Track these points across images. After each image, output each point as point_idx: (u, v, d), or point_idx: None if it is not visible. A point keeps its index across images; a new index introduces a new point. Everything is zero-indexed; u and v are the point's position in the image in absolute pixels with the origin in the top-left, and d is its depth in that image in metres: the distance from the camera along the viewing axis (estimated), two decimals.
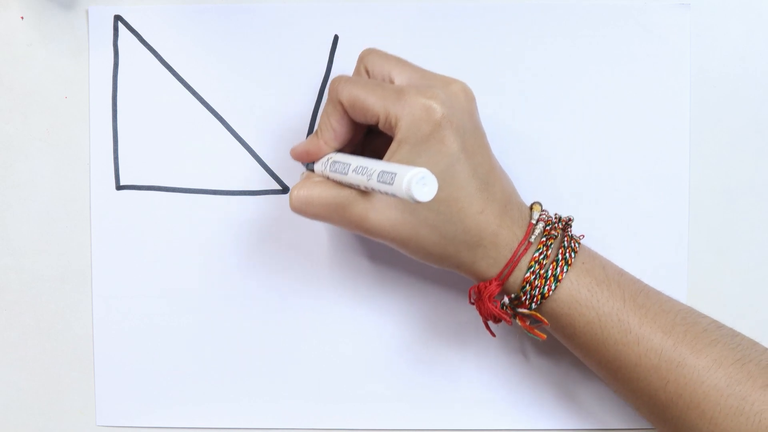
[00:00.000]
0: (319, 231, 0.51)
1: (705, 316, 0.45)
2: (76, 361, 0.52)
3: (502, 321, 0.44)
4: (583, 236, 0.46)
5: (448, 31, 0.51)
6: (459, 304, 0.51)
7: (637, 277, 0.46)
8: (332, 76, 0.51)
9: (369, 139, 0.48)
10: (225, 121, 0.51)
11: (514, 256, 0.43)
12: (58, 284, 0.52)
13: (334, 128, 0.45)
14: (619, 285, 0.44)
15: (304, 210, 0.44)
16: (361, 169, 0.40)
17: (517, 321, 0.44)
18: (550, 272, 0.43)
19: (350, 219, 0.43)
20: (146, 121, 0.51)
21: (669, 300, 0.45)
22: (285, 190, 0.51)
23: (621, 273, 0.45)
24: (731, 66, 0.51)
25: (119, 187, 0.51)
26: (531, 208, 0.45)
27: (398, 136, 0.42)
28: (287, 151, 0.51)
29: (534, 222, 0.44)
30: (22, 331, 0.52)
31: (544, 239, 0.43)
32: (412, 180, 0.35)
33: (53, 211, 0.52)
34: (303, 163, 0.47)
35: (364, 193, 0.42)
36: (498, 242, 0.43)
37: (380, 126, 0.43)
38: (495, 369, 0.51)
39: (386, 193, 0.37)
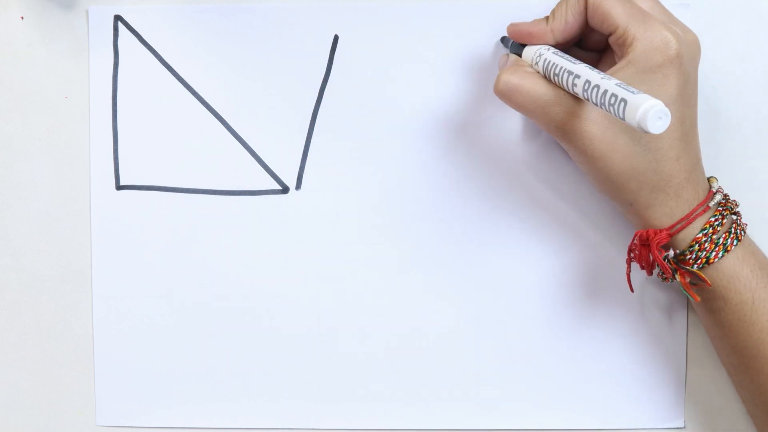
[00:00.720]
0: (319, 231, 0.51)
1: None
2: (76, 361, 0.52)
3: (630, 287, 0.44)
4: (747, 225, 0.46)
5: (449, 31, 0.51)
6: (459, 303, 0.51)
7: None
8: (332, 76, 0.51)
9: (575, 53, 0.47)
10: (225, 121, 0.51)
11: (692, 212, 0.43)
12: (58, 284, 0.52)
13: (568, 20, 0.44)
14: None
15: (509, 96, 0.44)
16: (587, 83, 0.39)
17: (677, 277, 0.44)
18: (721, 240, 0.43)
19: (554, 118, 0.43)
20: (146, 121, 0.51)
21: None
22: (285, 190, 0.51)
23: None
24: (731, 66, 0.51)
25: (119, 187, 0.51)
26: (709, 180, 0.46)
27: (629, 56, 0.42)
28: (287, 151, 0.51)
29: (714, 191, 0.45)
30: (22, 331, 0.52)
31: (720, 209, 0.44)
32: (650, 111, 0.35)
33: (53, 211, 0.52)
34: (508, 43, 0.47)
35: (575, 97, 0.42)
36: (680, 194, 0.43)
37: (612, 39, 0.43)
38: (495, 369, 0.51)
39: (609, 112, 0.37)
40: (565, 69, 0.42)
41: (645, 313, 0.51)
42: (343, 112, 0.51)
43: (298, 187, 0.51)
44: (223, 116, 0.51)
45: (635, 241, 0.45)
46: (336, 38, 0.51)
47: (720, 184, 0.48)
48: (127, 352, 0.52)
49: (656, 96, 0.41)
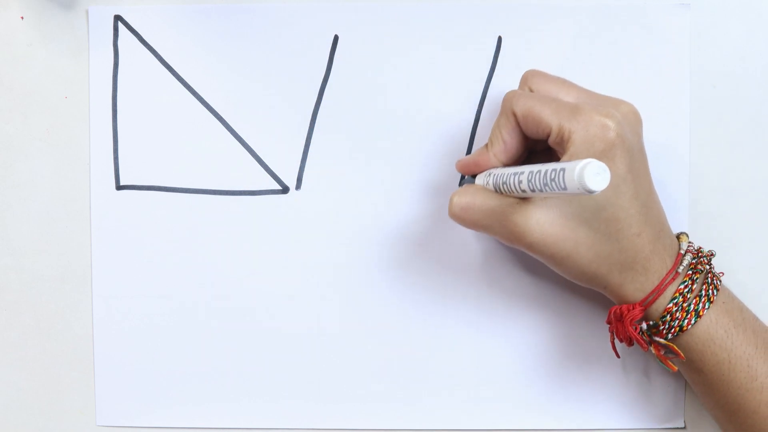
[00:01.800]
0: (319, 231, 0.51)
1: None
2: (76, 361, 0.52)
3: (636, 344, 0.44)
4: (723, 274, 0.46)
5: (448, 31, 0.51)
6: (458, 304, 0.51)
7: None
8: (332, 76, 0.51)
9: (529, 161, 0.47)
10: (225, 121, 0.51)
11: (661, 284, 0.43)
12: (58, 284, 0.52)
13: (505, 140, 0.45)
14: (754, 331, 0.44)
15: (463, 216, 0.45)
16: (530, 174, 0.40)
17: (652, 349, 0.44)
18: (692, 306, 0.43)
19: (511, 230, 0.43)
20: (146, 121, 0.51)
21: None
22: (285, 190, 0.51)
23: (756, 319, 0.45)
24: (731, 66, 0.51)
25: (119, 187, 0.51)
26: (678, 238, 0.46)
27: (570, 151, 0.42)
28: (287, 151, 0.51)
29: (683, 253, 0.44)
30: (22, 331, 0.52)
31: (690, 272, 0.44)
32: (586, 168, 0.35)
33: (53, 211, 0.52)
34: (463, 175, 0.48)
35: (527, 202, 0.42)
36: (648, 267, 0.43)
37: (551, 140, 0.43)
38: (495, 369, 0.51)
39: (554, 191, 0.37)
40: (510, 173, 0.42)
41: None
42: (343, 112, 0.51)
43: (298, 187, 0.51)
44: (223, 116, 0.51)
45: (611, 317, 0.45)
46: (336, 38, 0.51)
47: (690, 239, 0.48)
48: (127, 352, 0.52)
49: None
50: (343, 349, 0.51)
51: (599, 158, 0.41)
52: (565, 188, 0.36)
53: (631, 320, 0.43)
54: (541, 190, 0.39)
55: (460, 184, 0.49)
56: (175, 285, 0.51)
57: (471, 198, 0.44)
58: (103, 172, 0.51)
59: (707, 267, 0.45)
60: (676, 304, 0.43)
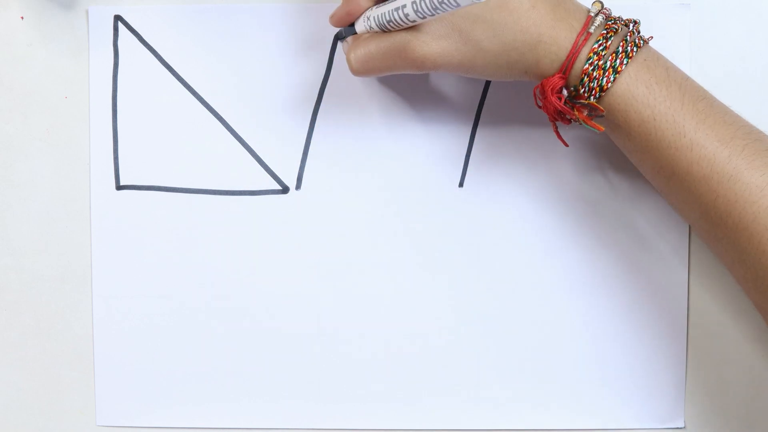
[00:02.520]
0: (319, 231, 0.51)
1: None
2: (76, 361, 0.52)
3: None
4: (652, 38, 0.45)
5: None
6: (458, 303, 0.51)
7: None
8: (332, 76, 0.51)
9: None
10: (225, 121, 0.51)
11: (573, 47, 0.42)
12: (58, 284, 0.52)
13: None
14: (681, 87, 0.43)
15: (366, 67, 0.45)
16: (414, 3, 0.40)
17: (576, 113, 0.43)
18: (609, 64, 0.42)
19: (413, 58, 0.43)
20: (146, 121, 0.51)
21: (734, 114, 0.43)
22: (285, 190, 0.51)
23: (686, 78, 0.44)
24: (731, 66, 0.51)
25: (119, 187, 0.51)
26: (592, 4, 0.45)
27: None
28: (287, 151, 0.51)
29: (593, 15, 0.44)
30: (22, 331, 0.52)
31: (604, 32, 0.43)
32: None
33: (53, 211, 0.52)
34: (342, 33, 0.47)
35: (417, 28, 0.42)
36: (557, 36, 0.43)
37: None
38: (496, 369, 0.51)
39: (446, 10, 0.37)
40: (392, 9, 0.42)
41: (645, 313, 0.51)
42: (343, 112, 0.51)
43: (298, 187, 0.51)
44: (223, 116, 0.51)
45: (537, 96, 0.44)
46: (336, 38, 0.51)
47: (607, 5, 0.47)
48: (127, 352, 0.52)
49: None
50: (343, 349, 0.51)
51: None
52: (458, 4, 0.36)
53: (552, 89, 0.43)
54: (432, 15, 0.39)
55: (340, 39, 0.48)
56: (175, 285, 0.51)
57: (365, 48, 0.44)
58: (103, 172, 0.51)
59: (624, 28, 0.44)
60: (591, 64, 0.42)
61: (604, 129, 0.43)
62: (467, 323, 0.51)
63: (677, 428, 0.51)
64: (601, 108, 0.43)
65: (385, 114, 0.51)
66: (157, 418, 0.52)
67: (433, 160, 0.51)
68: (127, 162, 0.51)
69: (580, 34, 0.43)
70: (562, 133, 0.47)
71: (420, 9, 0.40)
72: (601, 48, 0.42)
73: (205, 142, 0.51)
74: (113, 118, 0.51)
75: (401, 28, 0.43)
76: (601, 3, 0.44)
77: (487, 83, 0.51)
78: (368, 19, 0.45)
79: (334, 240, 0.51)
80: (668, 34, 0.50)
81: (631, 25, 0.44)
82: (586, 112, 0.43)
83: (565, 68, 0.43)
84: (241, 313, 0.52)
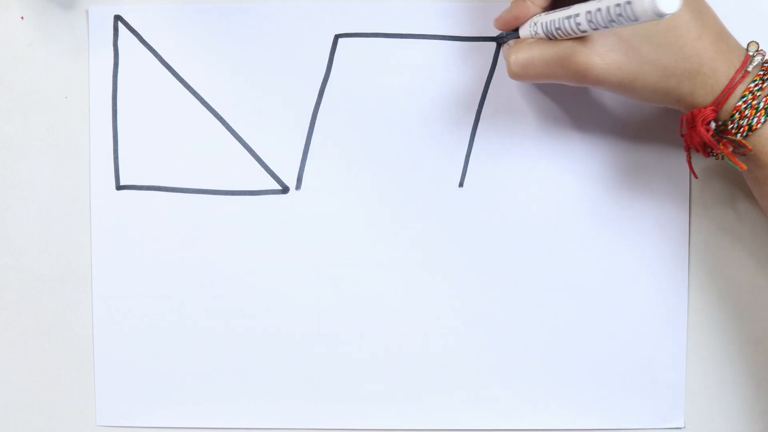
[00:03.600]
0: (319, 231, 0.51)
1: None
2: (76, 361, 0.52)
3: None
4: None
5: (448, 31, 0.51)
6: (458, 303, 0.51)
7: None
8: (332, 76, 0.51)
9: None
10: (225, 121, 0.51)
11: (730, 82, 0.43)
12: (58, 284, 0.52)
13: None
14: None
15: (526, 72, 0.45)
16: (588, 14, 0.39)
17: (721, 147, 0.44)
18: (762, 105, 0.43)
19: (576, 69, 0.43)
20: (146, 121, 0.51)
21: None
22: (285, 190, 0.51)
23: None
24: None
25: (119, 187, 0.51)
26: (748, 44, 0.45)
27: None
28: (287, 151, 0.51)
29: (752, 54, 0.44)
30: (22, 331, 0.52)
31: (761, 72, 0.43)
32: None
33: (53, 211, 0.52)
34: (504, 35, 0.47)
35: (584, 39, 0.42)
36: (716, 68, 0.43)
37: None
38: (496, 369, 0.51)
39: (623, 24, 0.37)
40: (563, 17, 0.42)
41: (645, 313, 0.51)
42: (343, 112, 0.51)
43: (298, 187, 0.51)
44: (223, 116, 0.51)
45: (683, 124, 0.45)
46: (336, 38, 0.51)
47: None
48: (127, 352, 0.52)
49: None
50: (343, 349, 0.51)
51: None
52: (636, 19, 0.36)
53: (703, 120, 0.43)
54: (605, 27, 0.38)
55: (503, 41, 0.48)
56: (175, 285, 0.51)
57: (528, 53, 0.44)
58: (103, 172, 0.51)
59: None
60: (744, 102, 0.43)
61: (746, 167, 0.44)
62: (467, 323, 0.51)
63: (677, 428, 0.51)
64: (749, 146, 0.43)
65: (385, 114, 0.51)
66: (157, 418, 0.52)
67: (433, 160, 0.51)
68: (127, 162, 0.51)
69: (738, 71, 0.43)
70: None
71: (594, 20, 0.39)
72: (756, 88, 0.43)
73: (205, 142, 0.51)
74: (113, 118, 0.51)
75: (569, 37, 0.43)
76: (758, 44, 0.45)
77: (488, 83, 0.51)
78: (535, 24, 0.44)
79: (334, 240, 0.51)
80: None
81: None
82: (731, 148, 0.44)
83: (719, 102, 0.43)
84: (241, 313, 0.52)
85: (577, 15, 0.40)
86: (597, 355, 0.51)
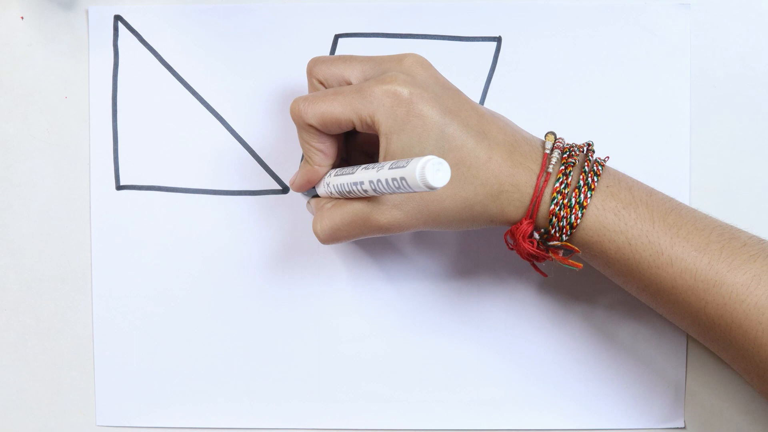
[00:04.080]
0: None
1: (744, 232, 0.43)
2: (76, 361, 0.52)
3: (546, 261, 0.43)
4: (608, 158, 0.45)
5: (448, 31, 0.51)
6: (459, 303, 0.51)
7: None
8: None
9: (351, 135, 0.47)
10: (225, 121, 0.51)
11: (535, 191, 0.42)
12: (58, 284, 0.52)
13: (319, 149, 0.45)
14: (648, 206, 0.43)
15: (333, 238, 0.44)
16: (371, 183, 0.40)
17: (551, 255, 0.43)
18: (574, 200, 0.42)
19: (378, 226, 0.43)
20: (146, 121, 0.51)
21: (704, 217, 0.43)
22: (285, 190, 0.51)
23: (650, 193, 0.44)
24: (731, 66, 0.51)
25: (119, 187, 0.51)
26: (545, 138, 0.44)
27: (381, 130, 0.42)
28: (287, 151, 0.51)
29: (548, 152, 0.43)
30: (22, 331, 0.52)
31: (562, 167, 0.43)
32: (425, 172, 0.35)
33: (53, 211, 0.52)
34: (303, 193, 0.48)
35: (379, 198, 0.42)
36: (517, 182, 0.42)
37: (358, 129, 0.43)
38: (496, 369, 0.51)
39: (402, 192, 0.38)
40: (350, 183, 0.42)
41: (645, 313, 0.51)
42: None
43: None
44: (223, 116, 0.51)
45: (509, 243, 0.44)
46: (336, 38, 0.51)
47: (559, 134, 0.46)
48: (127, 352, 0.52)
49: (429, 134, 0.41)
50: (343, 350, 0.51)
51: (408, 121, 0.41)
52: (412, 190, 0.37)
53: (523, 236, 0.43)
54: (391, 192, 0.39)
55: (306, 195, 0.49)
56: (175, 285, 0.51)
57: (329, 221, 0.44)
58: (103, 172, 0.51)
59: (581, 157, 0.43)
60: (556, 204, 0.42)
61: (582, 266, 0.44)
62: (467, 323, 0.51)
63: (677, 428, 0.51)
64: (576, 248, 0.43)
65: None
66: (157, 418, 0.52)
67: None
68: (127, 162, 0.51)
69: (539, 177, 0.42)
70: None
71: (378, 188, 0.39)
72: (563, 186, 0.42)
73: (205, 142, 0.51)
74: (113, 118, 0.51)
75: (362, 197, 0.43)
76: (554, 134, 0.44)
77: (487, 83, 0.51)
78: (328, 185, 0.45)
79: None
80: (668, 34, 0.50)
81: (585, 149, 0.44)
82: (561, 253, 0.43)
83: (532, 212, 0.42)
84: (240, 313, 0.52)
85: (362, 183, 0.41)
86: (597, 355, 0.51)
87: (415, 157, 0.36)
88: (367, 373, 0.52)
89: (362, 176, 0.41)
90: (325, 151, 0.45)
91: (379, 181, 0.39)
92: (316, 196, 0.47)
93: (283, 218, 0.51)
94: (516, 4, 0.50)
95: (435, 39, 0.51)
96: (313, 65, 0.45)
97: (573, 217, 0.42)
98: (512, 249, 0.44)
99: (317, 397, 0.52)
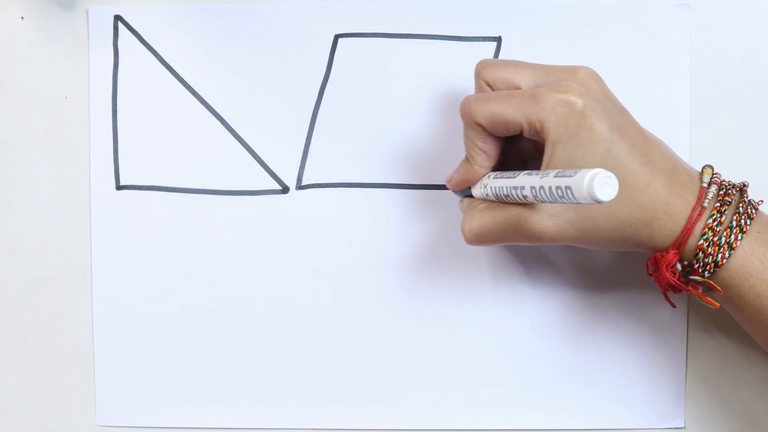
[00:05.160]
0: (318, 231, 0.51)
1: None
2: (76, 361, 0.52)
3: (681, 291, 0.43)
4: (762, 202, 0.45)
5: (448, 31, 0.51)
6: (459, 303, 0.51)
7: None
8: (332, 76, 0.51)
9: (511, 141, 0.47)
10: (225, 121, 0.51)
11: (688, 222, 0.42)
12: (58, 284, 0.52)
13: (483, 149, 0.45)
14: None
15: (480, 239, 0.44)
16: (533, 189, 0.39)
17: (690, 289, 0.43)
18: (723, 239, 0.42)
19: (530, 234, 0.43)
20: (146, 121, 0.51)
21: None
22: (285, 190, 0.51)
23: None
24: (731, 66, 0.51)
25: (119, 187, 0.51)
26: (702, 171, 0.44)
27: (549, 138, 0.42)
28: (287, 151, 0.51)
29: (705, 185, 0.43)
30: (22, 331, 0.52)
31: (717, 204, 0.42)
32: (594, 183, 0.35)
33: (53, 211, 0.52)
34: (457, 192, 0.48)
35: (533, 204, 0.42)
36: (671, 211, 0.42)
37: (525, 134, 0.43)
38: (495, 369, 0.51)
39: (564, 202, 0.37)
40: (510, 186, 0.42)
41: (645, 313, 0.51)
42: (343, 112, 0.51)
43: (298, 187, 0.51)
44: (223, 116, 0.51)
45: (649, 271, 0.44)
46: (336, 38, 0.51)
47: (716, 170, 0.47)
48: (127, 352, 0.52)
49: (595, 149, 0.41)
50: (343, 350, 0.51)
51: (577, 134, 0.41)
52: (574, 201, 0.36)
53: (667, 265, 0.43)
54: (551, 201, 0.39)
55: (459, 194, 0.48)
56: (175, 285, 0.51)
57: (480, 221, 0.44)
58: (103, 172, 0.51)
59: (737, 197, 0.43)
60: (706, 240, 0.42)
61: (719, 306, 0.43)
62: (467, 323, 0.51)
63: (677, 428, 0.51)
64: (719, 288, 0.43)
65: (385, 114, 0.51)
66: (157, 418, 0.52)
67: (433, 160, 0.51)
68: (127, 162, 0.51)
69: (694, 209, 0.42)
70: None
71: (539, 195, 0.39)
72: (715, 223, 0.42)
73: (205, 142, 0.51)
74: (113, 118, 0.51)
75: (518, 202, 0.42)
76: (711, 168, 0.44)
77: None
78: (485, 187, 0.44)
79: (334, 240, 0.51)
80: (668, 34, 0.50)
81: (741, 188, 0.44)
82: (700, 288, 0.43)
83: (680, 243, 0.42)
84: (240, 313, 0.52)
85: (523, 188, 0.40)
86: (597, 355, 0.51)
87: (583, 169, 0.36)
88: (367, 373, 0.52)
89: (524, 181, 0.40)
90: (488, 152, 0.45)
91: (542, 188, 0.38)
92: (469, 196, 0.47)
93: (283, 218, 0.51)
94: (516, 4, 0.50)
95: (435, 39, 0.51)
96: (482, 67, 0.45)
97: (720, 255, 0.42)
98: (651, 275, 0.44)
99: (317, 397, 0.52)
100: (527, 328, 0.51)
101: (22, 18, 0.51)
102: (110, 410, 0.52)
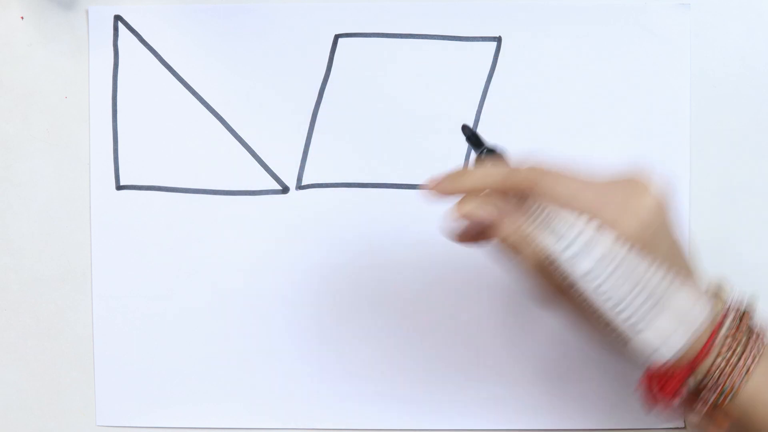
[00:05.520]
0: (318, 231, 0.51)
1: None
2: (76, 361, 0.52)
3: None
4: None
5: (448, 31, 0.51)
6: (460, 303, 0.51)
7: None
8: (332, 76, 0.51)
9: None
10: (225, 121, 0.51)
11: (711, 339, 0.40)
12: (58, 284, 0.52)
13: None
14: None
15: (520, 245, 0.40)
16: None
17: (693, 417, 0.42)
18: (741, 362, 0.40)
19: (554, 279, 0.40)
20: (146, 121, 0.51)
21: None
22: (285, 190, 0.51)
23: None
24: (731, 66, 0.51)
25: (119, 187, 0.51)
26: (715, 296, 0.42)
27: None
28: (287, 151, 0.51)
29: (725, 314, 0.41)
30: (22, 331, 0.52)
31: (737, 323, 0.40)
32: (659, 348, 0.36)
33: (53, 211, 0.52)
34: (482, 151, 0.44)
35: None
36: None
37: None
38: (496, 369, 0.51)
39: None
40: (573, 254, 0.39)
41: None
42: (343, 112, 0.51)
43: (298, 187, 0.51)
44: (223, 116, 0.51)
45: (651, 390, 0.42)
46: (336, 38, 0.51)
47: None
48: (127, 352, 0.52)
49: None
50: (343, 350, 0.51)
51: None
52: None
53: (679, 381, 0.40)
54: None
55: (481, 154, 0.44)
56: (175, 285, 0.51)
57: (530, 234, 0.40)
58: (103, 172, 0.51)
59: (748, 325, 0.41)
60: (727, 360, 0.40)
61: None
62: (467, 322, 0.51)
63: (677, 428, 0.51)
64: (730, 418, 0.41)
65: (385, 114, 0.51)
66: (157, 418, 0.52)
67: (433, 160, 0.51)
68: (127, 162, 0.51)
69: (716, 329, 0.40)
70: None
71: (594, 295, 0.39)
72: (726, 365, 0.40)
73: (205, 142, 0.51)
74: (113, 118, 0.51)
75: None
76: (723, 291, 0.42)
77: (487, 83, 0.51)
78: (542, 210, 0.40)
79: (334, 240, 0.51)
80: (668, 34, 0.50)
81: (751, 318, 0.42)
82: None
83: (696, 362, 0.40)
84: (240, 313, 0.51)
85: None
86: (597, 355, 0.51)
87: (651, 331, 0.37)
88: (367, 373, 0.52)
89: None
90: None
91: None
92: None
93: (283, 218, 0.51)
94: (516, 4, 0.50)
95: (435, 39, 0.51)
96: (541, 177, 0.40)
97: (737, 379, 0.40)
98: (645, 388, 0.43)
99: (317, 397, 0.52)
100: (527, 328, 0.51)
101: (22, 18, 0.51)
102: (110, 410, 0.52)
